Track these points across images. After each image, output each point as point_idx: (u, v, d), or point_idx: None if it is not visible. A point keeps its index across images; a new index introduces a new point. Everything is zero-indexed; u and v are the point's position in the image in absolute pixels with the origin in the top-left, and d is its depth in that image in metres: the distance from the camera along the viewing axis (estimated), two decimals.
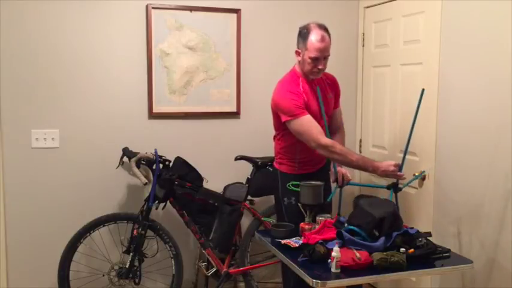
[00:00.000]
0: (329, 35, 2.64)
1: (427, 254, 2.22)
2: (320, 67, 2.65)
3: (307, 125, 2.62)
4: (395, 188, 2.66)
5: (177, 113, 3.40)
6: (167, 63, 3.33)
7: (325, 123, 2.64)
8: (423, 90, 2.57)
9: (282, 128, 2.77)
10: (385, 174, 2.58)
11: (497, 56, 2.49)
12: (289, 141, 2.76)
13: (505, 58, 2.43)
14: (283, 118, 2.67)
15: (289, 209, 2.79)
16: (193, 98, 3.42)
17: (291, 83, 2.71)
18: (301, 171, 2.74)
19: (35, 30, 3.07)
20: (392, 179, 2.68)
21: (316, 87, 2.65)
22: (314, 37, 2.59)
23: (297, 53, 2.70)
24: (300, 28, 2.70)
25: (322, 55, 2.62)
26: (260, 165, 3.31)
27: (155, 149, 3.15)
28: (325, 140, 2.59)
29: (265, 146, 3.49)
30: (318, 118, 2.68)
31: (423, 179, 3.03)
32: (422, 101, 2.58)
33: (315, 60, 2.61)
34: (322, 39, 2.60)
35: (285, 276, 2.90)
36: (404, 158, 2.63)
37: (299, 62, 2.71)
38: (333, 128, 2.90)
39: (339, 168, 2.76)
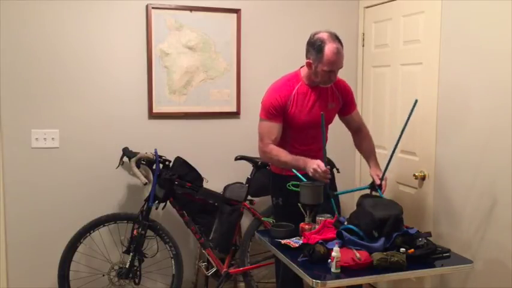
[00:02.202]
0: (342, 46, 2.59)
1: (427, 254, 2.22)
2: (332, 78, 2.64)
3: (266, 129, 2.69)
4: (378, 186, 2.65)
5: (177, 113, 3.40)
6: (167, 63, 3.33)
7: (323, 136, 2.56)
8: (416, 100, 2.55)
9: None
10: (313, 175, 2.52)
11: (497, 56, 2.49)
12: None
13: (505, 58, 2.43)
14: (260, 113, 2.73)
15: (276, 209, 2.84)
16: (193, 98, 3.42)
17: (285, 84, 2.70)
18: (288, 173, 2.70)
19: (35, 30, 3.07)
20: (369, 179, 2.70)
21: (321, 113, 2.53)
22: (329, 51, 2.52)
23: (308, 65, 2.62)
24: (311, 38, 2.61)
25: (337, 67, 2.60)
26: (260, 165, 3.31)
27: (155, 149, 3.15)
28: (265, 148, 2.69)
29: None
30: (307, 124, 2.67)
31: (423, 178, 3.03)
32: (414, 111, 2.55)
33: (328, 72, 2.59)
34: (338, 53, 2.54)
35: (277, 276, 2.92)
36: (389, 161, 2.62)
37: (310, 70, 2.64)
38: (352, 129, 2.92)
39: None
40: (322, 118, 2.48)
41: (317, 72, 2.60)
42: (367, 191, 2.74)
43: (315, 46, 2.56)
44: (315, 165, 2.52)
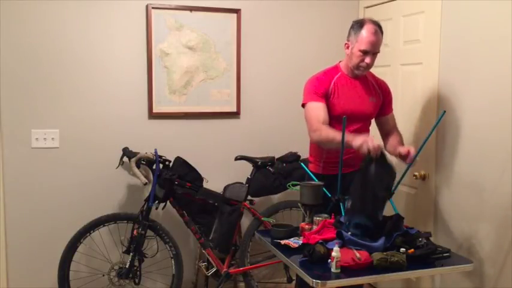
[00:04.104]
0: (382, 32, 2.61)
1: (427, 254, 2.21)
2: (367, 61, 2.59)
3: (313, 112, 2.60)
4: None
5: (177, 113, 3.40)
6: (167, 63, 3.33)
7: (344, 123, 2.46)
8: (444, 112, 2.55)
9: None
10: (361, 147, 2.35)
11: (497, 56, 2.49)
12: None
13: (505, 58, 2.43)
14: (303, 100, 2.69)
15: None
16: (193, 98, 3.42)
17: (324, 74, 2.71)
18: (325, 172, 2.67)
19: (35, 30, 3.07)
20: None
21: (343, 117, 2.43)
22: (367, 30, 2.55)
23: (346, 46, 2.65)
24: (353, 22, 2.66)
25: (373, 49, 2.58)
26: (260, 165, 3.31)
27: (155, 149, 3.15)
28: (315, 127, 2.56)
29: (265, 146, 3.50)
30: (348, 114, 2.56)
31: (423, 178, 3.03)
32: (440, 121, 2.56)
33: (364, 53, 2.57)
34: (375, 33, 2.56)
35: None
36: (406, 170, 2.60)
37: (347, 55, 2.66)
38: (384, 132, 2.87)
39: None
40: (344, 122, 2.40)
41: (352, 54, 2.60)
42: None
43: (354, 27, 2.61)
44: (365, 138, 2.36)
